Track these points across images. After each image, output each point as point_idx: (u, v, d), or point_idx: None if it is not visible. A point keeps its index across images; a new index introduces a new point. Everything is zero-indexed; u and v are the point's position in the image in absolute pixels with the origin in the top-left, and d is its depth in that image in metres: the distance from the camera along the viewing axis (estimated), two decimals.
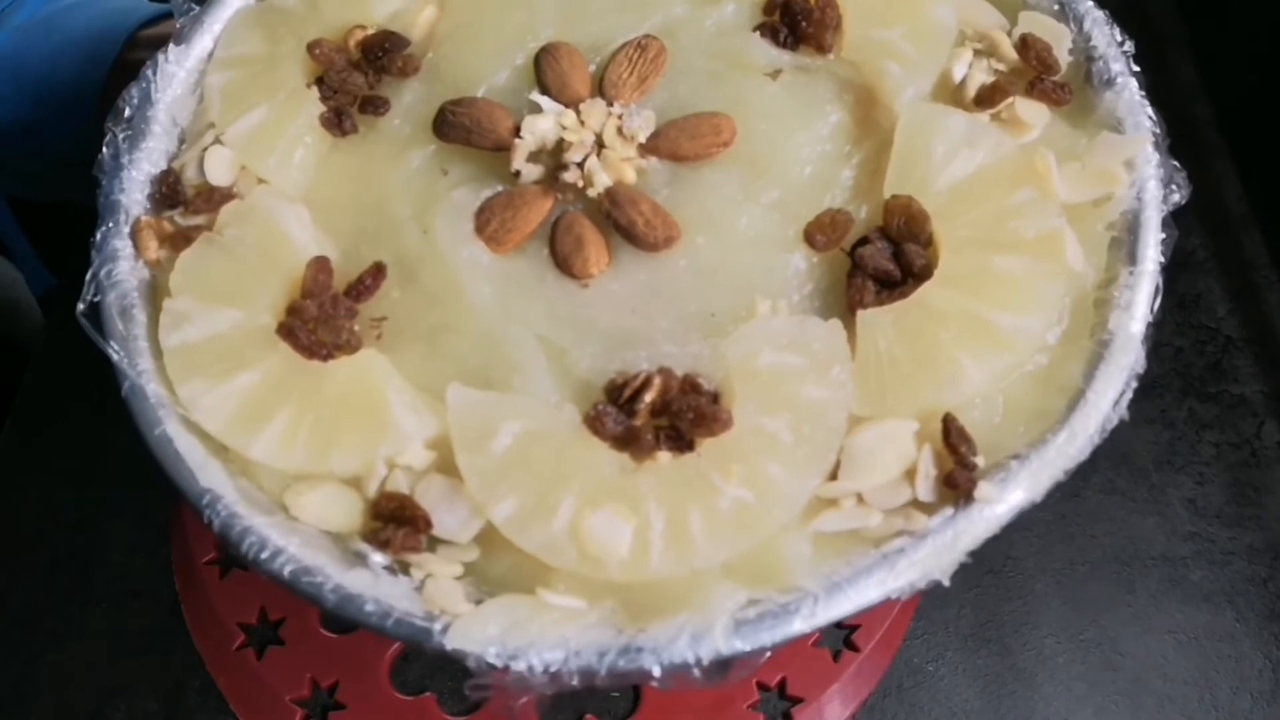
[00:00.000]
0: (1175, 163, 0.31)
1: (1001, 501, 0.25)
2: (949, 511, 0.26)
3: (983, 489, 0.25)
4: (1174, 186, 0.31)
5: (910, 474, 0.27)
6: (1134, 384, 0.26)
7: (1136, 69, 0.31)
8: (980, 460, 0.26)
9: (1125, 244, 0.29)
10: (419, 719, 0.39)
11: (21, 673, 0.42)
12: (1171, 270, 0.50)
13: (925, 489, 0.26)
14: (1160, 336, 0.45)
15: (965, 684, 0.40)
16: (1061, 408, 0.27)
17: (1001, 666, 0.40)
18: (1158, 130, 0.30)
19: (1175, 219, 0.48)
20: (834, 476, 0.27)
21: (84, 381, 0.31)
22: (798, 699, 0.39)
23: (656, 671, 0.24)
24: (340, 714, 0.39)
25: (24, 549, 0.44)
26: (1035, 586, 0.42)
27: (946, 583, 0.25)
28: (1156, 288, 0.28)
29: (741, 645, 0.24)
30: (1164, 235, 0.29)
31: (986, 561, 0.42)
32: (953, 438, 0.26)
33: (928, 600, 0.41)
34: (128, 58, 0.44)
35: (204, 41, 0.36)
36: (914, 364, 0.28)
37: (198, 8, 0.36)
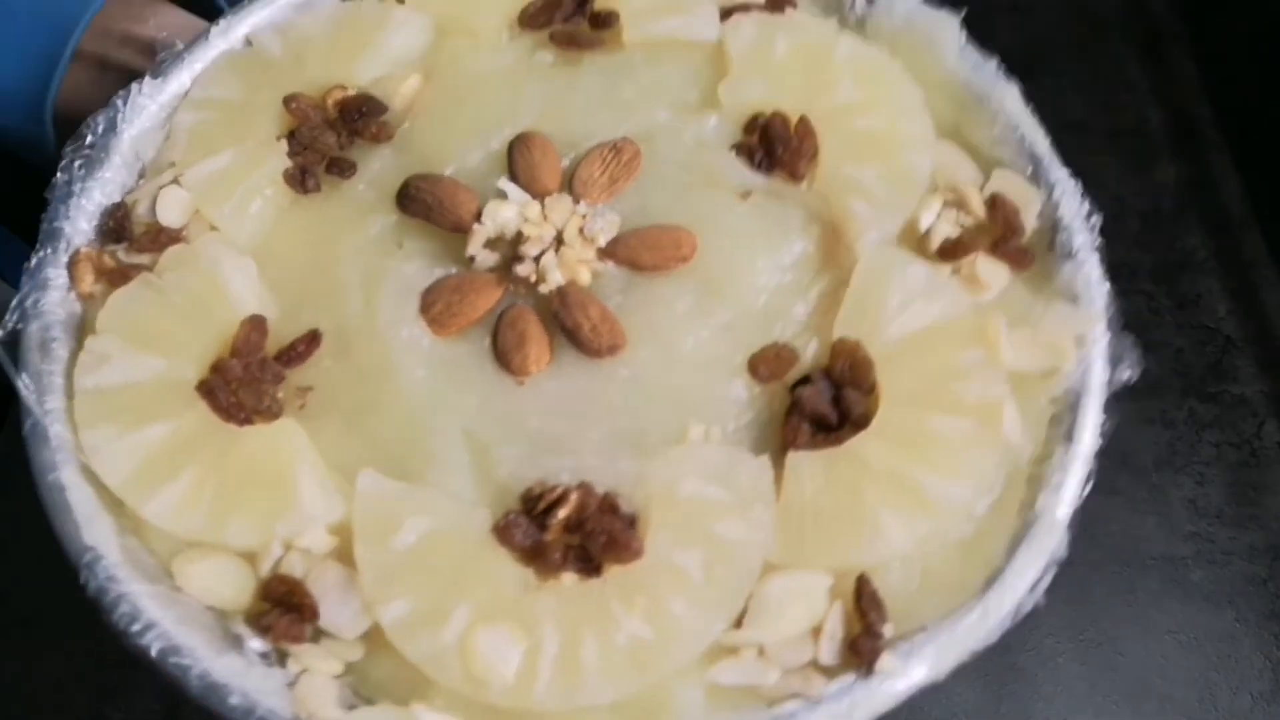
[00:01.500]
0: (1132, 337, 0.31)
1: (903, 677, 0.25)
2: (849, 679, 0.25)
3: (885, 661, 0.25)
4: (1125, 363, 0.30)
5: (816, 631, 0.26)
6: (1054, 570, 0.26)
7: (1100, 242, 0.31)
8: (888, 629, 0.25)
9: (1065, 422, 0.28)
10: None
11: (21, 673, 0.41)
12: (1171, 270, 0.47)
13: (828, 651, 0.25)
14: (1160, 336, 0.47)
15: (965, 684, 0.39)
16: (978, 583, 0.26)
17: (1001, 666, 0.39)
18: (1112, 309, 0.30)
19: (1175, 219, 0.47)
20: (739, 623, 0.26)
21: None
22: None
23: None
24: None
25: (24, 549, 0.41)
26: None
27: None
28: (1090, 472, 0.28)
29: None
30: (1104, 419, 0.28)
31: None
32: (864, 601, 0.26)
33: None
34: (89, 50, 0.42)
35: (182, 78, 0.36)
36: (837, 517, 0.27)
37: (181, 45, 0.36)
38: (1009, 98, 0.33)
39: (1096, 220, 0.31)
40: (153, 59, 0.40)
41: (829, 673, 0.25)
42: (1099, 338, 0.29)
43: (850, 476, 0.27)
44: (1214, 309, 0.47)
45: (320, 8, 0.37)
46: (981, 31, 0.59)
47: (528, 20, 0.36)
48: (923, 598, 0.26)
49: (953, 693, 0.39)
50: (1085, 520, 0.41)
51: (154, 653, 0.25)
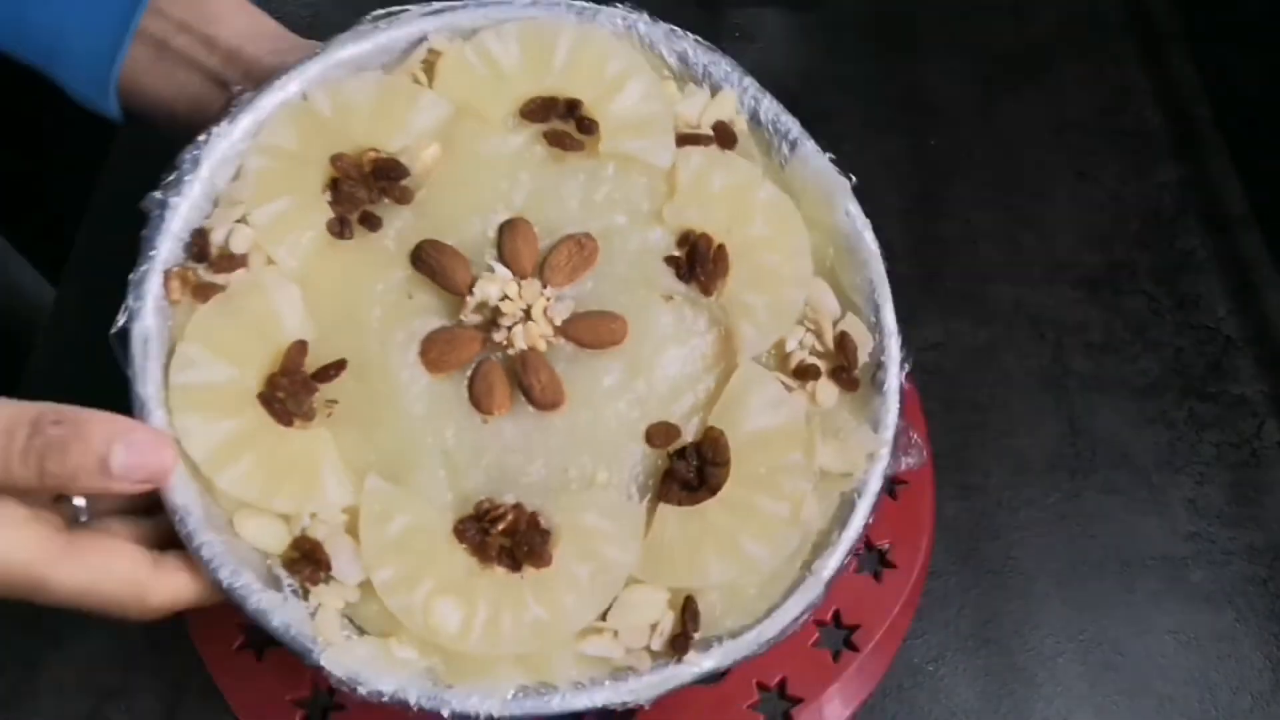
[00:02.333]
0: (916, 437, 0.44)
1: (699, 666, 0.39)
2: (665, 662, 0.39)
3: (691, 655, 0.39)
4: (908, 455, 0.43)
5: (653, 627, 0.40)
6: (807, 616, 0.40)
7: (908, 386, 0.43)
8: (698, 634, 0.40)
9: (845, 513, 0.42)
10: (418, 719, 0.39)
11: (21, 673, 0.41)
12: (1171, 270, 0.51)
13: (658, 642, 0.40)
14: (1160, 336, 0.48)
15: (965, 684, 0.40)
16: (762, 612, 0.40)
17: (1001, 666, 0.40)
18: (899, 438, 0.42)
19: (1175, 219, 0.51)
20: (604, 616, 0.40)
21: (82, 385, 0.36)
22: (797, 699, 0.42)
23: (446, 713, 0.37)
24: (340, 714, 0.42)
25: None
26: (1035, 586, 0.42)
27: (647, 707, 0.38)
28: (854, 550, 0.41)
29: (510, 711, 0.38)
30: (870, 518, 0.41)
31: (987, 561, 0.44)
32: (687, 613, 0.40)
33: (928, 600, 0.43)
34: (149, 30, 0.47)
35: (248, 120, 0.45)
36: (684, 555, 0.41)
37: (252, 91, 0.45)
38: (872, 256, 0.45)
39: (908, 366, 0.44)
40: (208, 50, 0.48)
41: (655, 656, 0.39)
42: (882, 461, 0.42)
43: (696, 529, 0.41)
44: (1214, 309, 0.48)
45: (366, 75, 0.46)
46: (982, 33, 0.63)
47: (528, 114, 0.46)
48: (724, 617, 0.40)
49: (953, 693, 0.40)
50: (1085, 520, 0.42)
51: (225, 583, 0.38)
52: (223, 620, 0.42)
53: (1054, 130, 0.59)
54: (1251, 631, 0.42)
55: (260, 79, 0.45)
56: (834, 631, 0.44)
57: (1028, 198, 0.57)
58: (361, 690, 0.37)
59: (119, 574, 0.37)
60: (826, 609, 0.41)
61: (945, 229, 0.56)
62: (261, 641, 0.43)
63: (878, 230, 0.43)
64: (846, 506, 0.42)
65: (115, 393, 0.39)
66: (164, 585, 0.38)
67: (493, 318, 0.43)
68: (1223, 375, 0.47)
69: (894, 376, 0.44)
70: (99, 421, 0.37)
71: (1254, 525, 0.44)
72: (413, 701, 0.37)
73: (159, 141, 0.46)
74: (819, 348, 0.44)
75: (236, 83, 0.46)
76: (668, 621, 0.40)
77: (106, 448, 0.36)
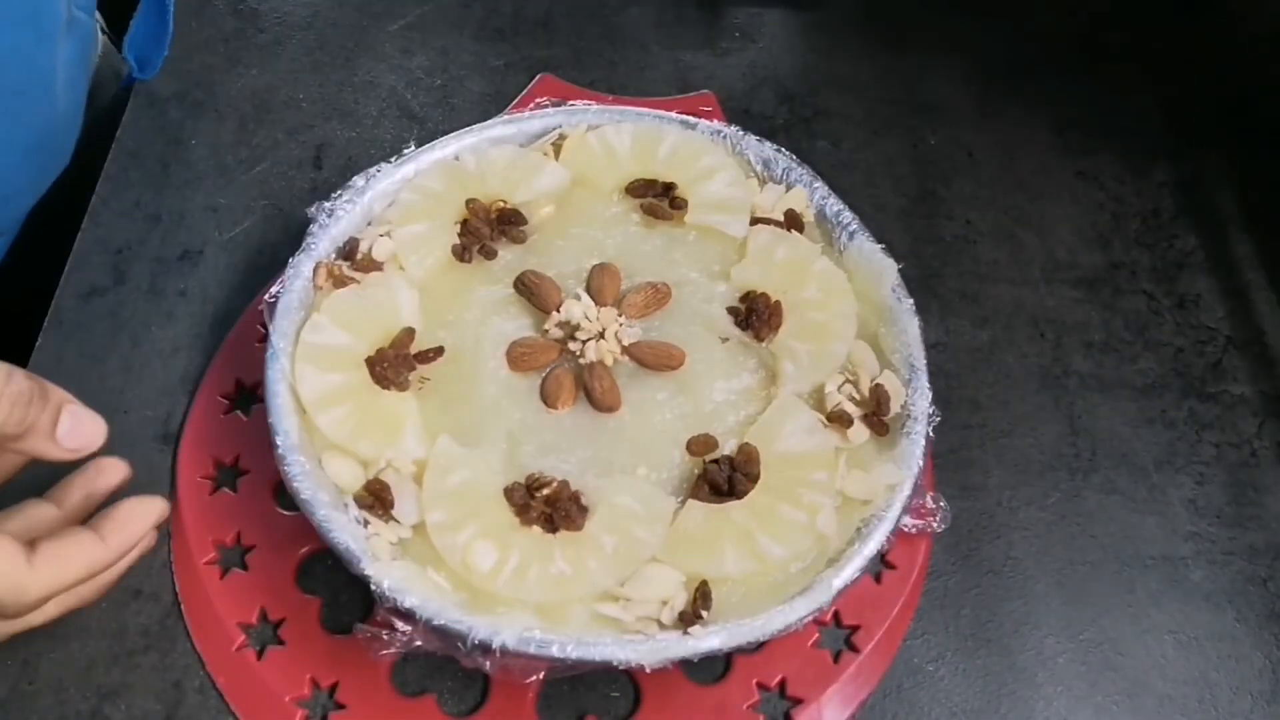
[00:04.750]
0: (935, 495, 0.46)
1: (703, 642, 0.41)
2: (672, 633, 0.42)
3: (695, 630, 0.41)
4: (941, 516, 0.46)
5: (664, 602, 0.43)
6: (811, 617, 0.41)
7: (933, 435, 0.47)
8: (705, 615, 0.42)
9: (863, 535, 0.44)
10: (419, 719, 0.42)
11: (21, 673, 0.41)
12: (1171, 270, 0.50)
13: (668, 615, 0.42)
14: (1160, 336, 0.47)
15: (965, 684, 0.40)
16: (769, 607, 0.42)
17: (1001, 666, 0.40)
18: (919, 480, 0.46)
19: (1175, 219, 0.51)
20: (622, 585, 0.43)
21: (82, 383, 0.35)
22: (798, 699, 0.42)
23: (466, 632, 0.40)
24: (340, 714, 0.42)
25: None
26: (1035, 586, 0.42)
27: (648, 669, 0.40)
28: (865, 567, 0.43)
29: (517, 648, 0.40)
30: (886, 544, 0.44)
31: (986, 561, 0.44)
32: (699, 596, 0.42)
33: (928, 600, 0.43)
34: None
35: (410, 168, 0.56)
36: (703, 544, 0.44)
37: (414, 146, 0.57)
38: (911, 326, 0.50)
39: (935, 420, 0.47)
40: None
41: (663, 627, 0.42)
42: (903, 492, 0.45)
43: (718, 524, 0.44)
44: (1214, 309, 0.48)
45: (505, 147, 0.57)
46: (981, 32, 0.62)
47: (631, 190, 0.56)
48: (732, 606, 0.43)
49: (953, 693, 0.40)
50: (1085, 520, 0.42)
51: (304, 495, 0.44)
52: (223, 620, 0.44)
53: (1054, 130, 0.59)
54: (1251, 631, 0.41)
55: None
56: (834, 632, 0.45)
57: (1028, 198, 0.57)
58: (394, 598, 0.41)
59: None
60: (827, 610, 0.43)
61: (945, 229, 0.56)
62: (262, 640, 0.45)
63: (878, 230, 0.47)
64: (863, 531, 0.45)
65: None
66: (39, 576, 0.38)
67: (571, 333, 0.51)
68: (1223, 375, 0.46)
69: (920, 428, 0.47)
70: (56, 388, 0.39)
71: (1254, 525, 0.43)
72: (435, 619, 0.41)
73: None
74: (856, 396, 0.49)
75: None
76: (680, 600, 0.43)
77: (58, 412, 0.38)
